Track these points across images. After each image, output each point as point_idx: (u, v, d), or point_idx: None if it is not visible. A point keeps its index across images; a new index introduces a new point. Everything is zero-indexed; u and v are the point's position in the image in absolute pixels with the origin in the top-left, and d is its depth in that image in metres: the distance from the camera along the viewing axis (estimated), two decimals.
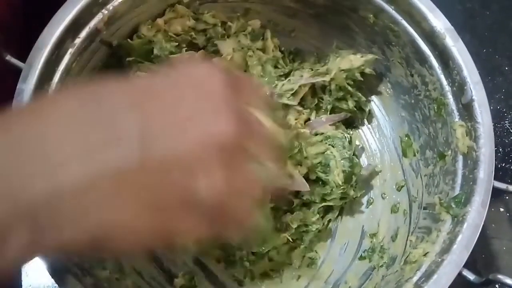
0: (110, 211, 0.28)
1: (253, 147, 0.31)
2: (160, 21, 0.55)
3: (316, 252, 0.56)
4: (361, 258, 0.55)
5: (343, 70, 0.56)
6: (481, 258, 0.62)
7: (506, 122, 0.69)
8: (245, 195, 0.32)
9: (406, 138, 0.57)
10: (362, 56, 0.56)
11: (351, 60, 0.56)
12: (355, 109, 0.59)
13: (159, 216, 0.29)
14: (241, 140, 0.30)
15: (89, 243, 0.28)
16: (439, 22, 0.49)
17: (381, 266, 0.52)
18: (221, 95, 0.30)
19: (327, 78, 0.57)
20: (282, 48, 0.61)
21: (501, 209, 0.65)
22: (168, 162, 0.28)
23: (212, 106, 0.30)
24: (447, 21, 0.49)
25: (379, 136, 0.60)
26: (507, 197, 0.66)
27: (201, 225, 0.30)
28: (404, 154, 0.57)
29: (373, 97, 0.61)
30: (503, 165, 0.67)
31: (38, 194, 0.26)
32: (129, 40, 0.54)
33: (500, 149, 0.68)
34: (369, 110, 0.60)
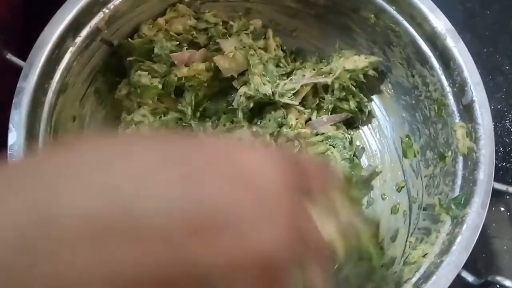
0: None
1: (301, 263, 0.27)
2: (161, 20, 0.55)
3: None
4: (360, 258, 0.55)
5: (347, 70, 0.56)
6: (482, 257, 0.61)
7: (507, 121, 0.69)
8: None
9: (407, 138, 0.57)
10: (366, 58, 0.56)
11: (355, 61, 0.56)
12: (356, 109, 0.59)
13: None
14: (289, 258, 0.25)
15: None
16: (440, 22, 0.49)
17: (381, 266, 0.52)
18: (278, 196, 0.25)
19: (330, 78, 0.57)
20: (284, 48, 0.61)
21: (502, 209, 0.65)
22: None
23: (263, 210, 0.24)
24: (448, 21, 0.49)
25: (379, 136, 0.60)
26: (507, 197, 0.66)
27: None
28: (405, 155, 0.57)
29: (374, 98, 0.60)
30: (504, 164, 0.67)
31: None
32: (129, 39, 0.54)
33: (501, 149, 0.67)
34: (370, 111, 0.60)
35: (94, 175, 0.23)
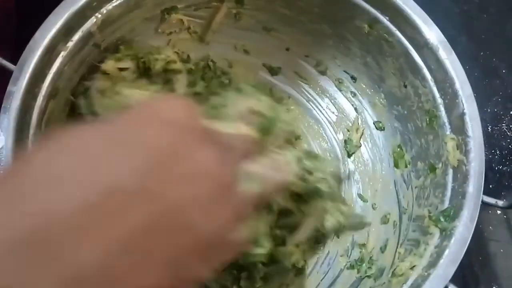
0: (135, 281, 0.26)
1: (234, 161, 0.32)
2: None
3: (305, 261, 0.56)
4: (350, 267, 0.55)
5: None
6: (478, 260, 0.61)
7: (503, 124, 0.69)
8: (238, 219, 0.32)
9: (398, 149, 0.57)
10: None
11: None
12: None
13: (178, 270, 0.29)
14: (221, 165, 0.31)
15: None
16: (432, 34, 0.49)
17: (369, 277, 0.52)
18: (187, 125, 0.31)
19: None
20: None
21: (498, 212, 0.65)
22: (168, 214, 0.28)
23: (185, 140, 0.30)
24: (440, 33, 0.49)
25: (371, 146, 0.60)
26: (504, 199, 0.66)
27: (212, 262, 0.31)
28: (396, 165, 0.57)
29: (367, 107, 0.60)
30: (501, 167, 0.67)
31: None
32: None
33: (498, 152, 0.68)
34: (362, 121, 0.60)
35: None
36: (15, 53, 0.46)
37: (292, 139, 0.48)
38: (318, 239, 0.51)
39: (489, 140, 0.68)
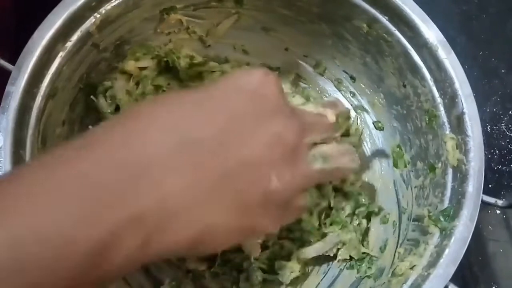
0: (208, 215, 0.31)
1: (311, 136, 0.38)
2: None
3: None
4: (350, 268, 0.55)
5: None
6: (478, 260, 0.61)
7: (502, 124, 0.69)
8: (303, 188, 0.38)
9: (398, 148, 0.56)
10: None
11: None
12: None
13: (245, 216, 0.33)
14: (298, 136, 0.35)
15: (189, 245, 0.31)
16: (432, 33, 0.49)
17: (369, 277, 0.52)
18: (274, 97, 0.35)
19: None
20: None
21: (498, 211, 0.65)
22: (246, 166, 0.32)
23: (269, 109, 0.35)
24: (439, 32, 0.49)
25: (370, 146, 0.60)
26: (503, 199, 0.66)
27: (276, 219, 0.35)
28: (395, 165, 0.57)
29: (366, 107, 0.60)
30: (500, 167, 0.67)
31: (148, 203, 0.29)
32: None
33: (497, 151, 0.68)
34: (362, 121, 0.60)
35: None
36: (14, 53, 0.46)
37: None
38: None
39: (488, 140, 0.68)
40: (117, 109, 0.55)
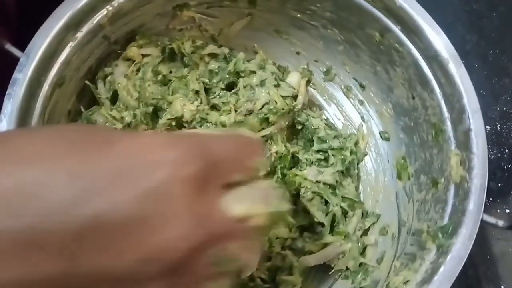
0: None
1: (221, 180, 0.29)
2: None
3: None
4: (344, 278, 0.54)
5: None
6: (487, 259, 0.60)
7: None
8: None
9: (403, 160, 0.56)
10: None
11: None
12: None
13: None
14: (194, 248, 0.26)
15: None
16: (444, 47, 0.48)
17: None
18: (179, 194, 0.26)
19: None
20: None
21: (507, 211, 0.64)
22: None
23: (167, 209, 0.26)
24: (451, 46, 0.48)
25: (375, 155, 0.60)
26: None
27: None
28: (399, 177, 0.56)
29: (374, 116, 0.60)
30: (510, 166, 0.66)
31: None
32: None
33: (507, 150, 0.67)
34: (368, 130, 0.60)
35: None
36: (24, 41, 0.46)
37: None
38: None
39: (498, 139, 0.67)
40: (114, 95, 0.55)
